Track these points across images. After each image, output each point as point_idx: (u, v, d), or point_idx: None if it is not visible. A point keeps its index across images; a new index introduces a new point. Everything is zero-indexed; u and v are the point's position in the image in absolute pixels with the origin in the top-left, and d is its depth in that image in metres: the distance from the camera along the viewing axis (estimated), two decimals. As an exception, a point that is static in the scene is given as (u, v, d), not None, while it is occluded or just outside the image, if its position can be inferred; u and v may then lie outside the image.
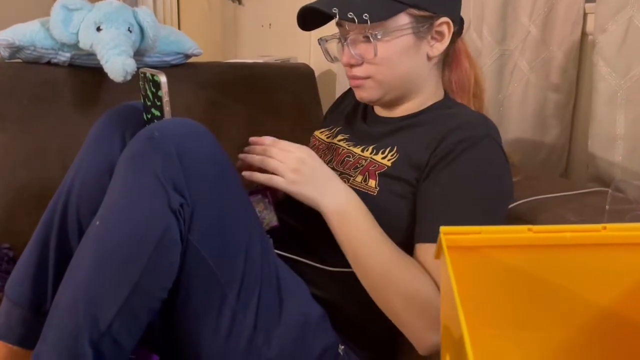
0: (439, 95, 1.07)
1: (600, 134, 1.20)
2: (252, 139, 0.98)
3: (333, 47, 1.08)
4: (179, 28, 3.75)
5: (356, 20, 0.93)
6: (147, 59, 1.40)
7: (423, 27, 0.98)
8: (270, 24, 2.67)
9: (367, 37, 0.97)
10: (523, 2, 1.37)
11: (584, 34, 1.33)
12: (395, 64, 0.99)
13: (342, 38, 1.01)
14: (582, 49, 1.34)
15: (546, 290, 0.62)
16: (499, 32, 1.40)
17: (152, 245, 0.81)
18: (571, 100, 1.36)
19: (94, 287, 0.80)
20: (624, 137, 1.17)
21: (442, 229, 0.60)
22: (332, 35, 1.06)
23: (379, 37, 0.96)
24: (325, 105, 1.75)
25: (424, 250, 0.90)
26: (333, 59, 1.09)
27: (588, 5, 1.31)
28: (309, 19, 1.03)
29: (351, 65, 1.01)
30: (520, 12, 1.37)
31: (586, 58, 1.34)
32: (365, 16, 0.93)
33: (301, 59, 2.22)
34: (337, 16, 0.94)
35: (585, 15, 1.32)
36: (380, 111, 1.11)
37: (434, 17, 0.98)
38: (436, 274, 0.88)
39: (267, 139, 0.96)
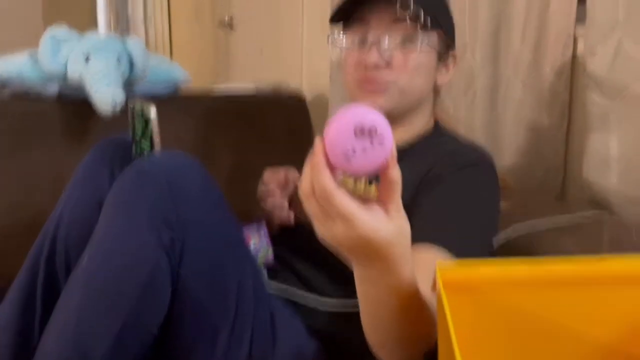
0: (430, 124, 1.06)
1: (594, 156, 1.18)
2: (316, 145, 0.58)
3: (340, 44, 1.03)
4: (170, 54, 3.76)
5: (426, 21, 0.93)
6: (137, 90, 1.39)
7: (443, 52, 1.00)
8: (262, 49, 2.66)
9: (409, 41, 0.95)
10: (515, 25, 1.36)
11: (574, 56, 1.32)
12: (418, 77, 0.99)
13: (368, 36, 0.97)
14: (573, 71, 1.33)
15: (549, 328, 0.60)
16: (491, 54, 1.40)
17: (142, 284, 0.80)
18: (564, 121, 1.35)
19: (81, 328, 0.79)
20: (618, 159, 1.16)
21: (438, 264, 0.59)
22: (354, 29, 1.00)
23: (424, 44, 0.95)
24: (318, 133, 1.74)
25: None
26: (340, 58, 1.04)
27: (579, 28, 1.30)
28: (349, 9, 0.99)
29: (375, 67, 0.96)
30: (512, 34, 1.37)
31: (577, 80, 1.33)
32: (434, 19, 0.93)
33: (293, 84, 2.21)
34: (410, 8, 0.92)
35: (575, 38, 1.31)
36: None
37: (449, 47, 1.01)
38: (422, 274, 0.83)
39: (323, 180, 0.56)
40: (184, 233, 0.82)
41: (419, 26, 0.94)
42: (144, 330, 0.82)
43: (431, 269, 0.78)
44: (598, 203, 1.19)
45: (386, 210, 0.59)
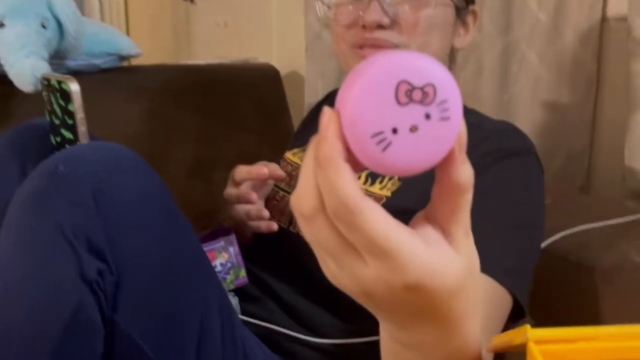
0: None
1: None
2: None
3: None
4: (127, 30, 3.47)
5: None
6: (71, 63, 1.13)
7: (462, 7, 0.79)
8: (225, 23, 2.43)
9: None
10: (531, -18, 1.16)
11: (604, 19, 1.12)
12: (433, 37, 0.76)
13: None
14: (603, 37, 1.14)
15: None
16: (502, 19, 1.20)
17: (57, 334, 0.56)
18: (591, 98, 1.17)
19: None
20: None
21: (531, 334, 0.35)
22: None
23: None
24: (293, 113, 1.51)
25: None
26: (329, 18, 0.82)
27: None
28: None
29: (378, 27, 0.74)
30: (528, -7, 1.16)
31: (608, 48, 1.14)
32: None
33: (262, 60, 1.98)
34: None
35: (606, -4, 1.11)
36: None
37: (468, 2, 0.80)
38: None
39: (342, 186, 0.32)
40: (118, 263, 0.58)
41: None
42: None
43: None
44: (643, 197, 0.99)
45: (449, 236, 0.35)
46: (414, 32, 0.75)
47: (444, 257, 0.34)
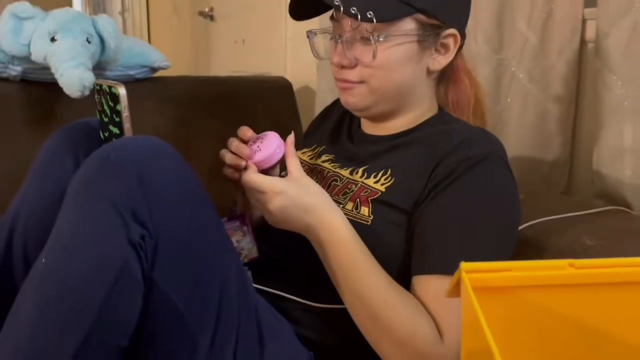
0: (433, 110, 0.96)
1: (606, 147, 1.10)
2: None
3: (320, 43, 0.96)
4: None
5: (359, 17, 0.82)
6: (109, 73, 1.28)
7: (429, 37, 0.87)
8: (243, 40, 2.57)
9: (367, 38, 0.85)
10: (520, 7, 1.28)
11: (583, 41, 1.24)
12: (393, 72, 0.87)
13: (336, 35, 0.89)
14: (582, 57, 1.25)
15: (590, 335, 0.51)
16: (495, 39, 1.31)
17: (108, 287, 0.68)
18: (572, 112, 1.27)
19: (37, 340, 0.68)
20: (632, 149, 1.08)
21: (463, 265, 0.49)
22: (322, 29, 0.94)
23: (380, 39, 0.84)
24: (305, 123, 1.64)
25: (424, 283, 0.79)
26: (320, 56, 0.97)
27: (587, 10, 1.21)
28: (302, 6, 0.91)
29: (342, 67, 0.89)
30: (517, 17, 1.28)
31: (587, 67, 1.25)
32: (370, 14, 0.82)
33: (277, 74, 2.11)
34: (340, 9, 0.82)
35: (584, 21, 1.23)
36: (367, 128, 0.99)
37: (441, 27, 0.88)
38: (437, 311, 0.77)
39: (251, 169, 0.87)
40: (157, 230, 0.71)
41: (366, 22, 0.83)
42: (111, 343, 0.70)
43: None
44: (609, 197, 1.11)
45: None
46: (374, 69, 0.86)
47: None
